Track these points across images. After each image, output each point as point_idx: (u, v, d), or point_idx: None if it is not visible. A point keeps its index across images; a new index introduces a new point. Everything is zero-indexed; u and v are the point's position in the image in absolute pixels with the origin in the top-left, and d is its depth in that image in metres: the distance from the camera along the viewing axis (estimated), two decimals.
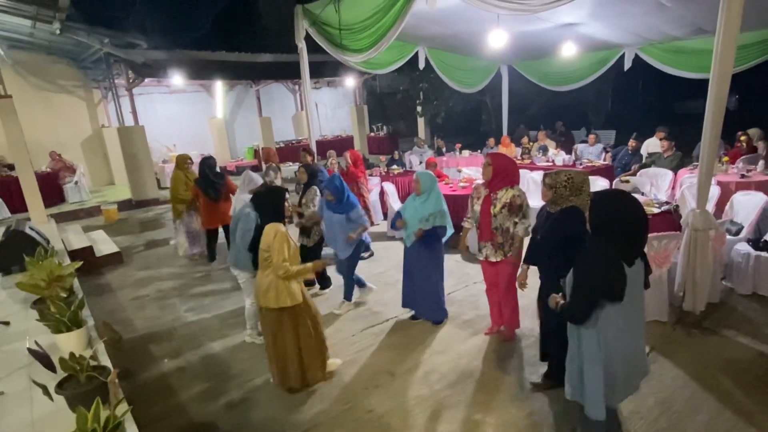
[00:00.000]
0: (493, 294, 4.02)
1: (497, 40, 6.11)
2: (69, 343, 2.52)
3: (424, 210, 4.11)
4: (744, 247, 4.59)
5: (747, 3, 3.54)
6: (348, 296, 4.86)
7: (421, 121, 16.74)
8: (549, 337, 3.33)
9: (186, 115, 16.06)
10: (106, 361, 2.44)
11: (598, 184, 6.71)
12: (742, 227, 4.94)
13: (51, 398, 1.94)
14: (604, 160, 8.73)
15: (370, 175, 8.30)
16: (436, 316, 4.41)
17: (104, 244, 7.39)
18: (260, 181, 6.07)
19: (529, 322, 4.12)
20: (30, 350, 2.15)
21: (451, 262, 5.89)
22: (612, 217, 2.15)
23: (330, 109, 20.22)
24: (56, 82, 12.58)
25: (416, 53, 8.07)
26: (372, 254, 6.45)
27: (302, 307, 3.43)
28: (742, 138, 8.32)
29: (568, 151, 9.35)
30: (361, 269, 5.86)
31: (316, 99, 17.54)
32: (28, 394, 2.31)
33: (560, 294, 2.47)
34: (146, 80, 12.21)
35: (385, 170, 9.10)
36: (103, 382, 2.08)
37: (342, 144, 16.16)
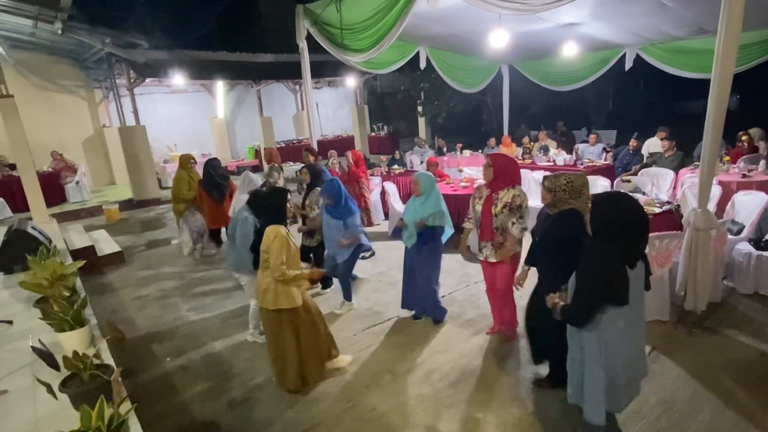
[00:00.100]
0: (493, 294, 4.03)
1: (498, 39, 6.12)
2: (72, 341, 2.53)
3: (424, 211, 4.12)
4: (745, 247, 4.59)
5: (748, 3, 3.54)
6: (348, 297, 4.86)
7: (421, 121, 16.74)
8: (535, 332, 3.38)
9: (187, 115, 16.07)
10: (109, 359, 2.45)
11: (599, 183, 6.71)
12: (744, 227, 4.94)
13: (55, 396, 1.95)
14: (605, 159, 8.74)
15: (371, 174, 8.31)
16: (437, 314, 4.42)
17: (106, 244, 7.40)
18: (260, 182, 6.08)
19: None
20: (34, 348, 2.16)
21: (452, 261, 5.91)
22: (612, 220, 2.14)
23: (331, 109, 20.22)
24: (58, 81, 12.59)
25: (417, 53, 8.08)
26: (373, 254, 6.45)
27: (301, 310, 3.43)
28: (744, 138, 8.32)
29: (569, 151, 9.35)
30: (363, 268, 5.90)
31: (317, 99, 17.53)
32: (32, 393, 2.32)
33: (558, 294, 2.47)
34: (147, 80, 12.22)
35: (386, 170, 9.12)
36: (106, 380, 2.09)
37: (343, 144, 16.16)
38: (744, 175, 6.44)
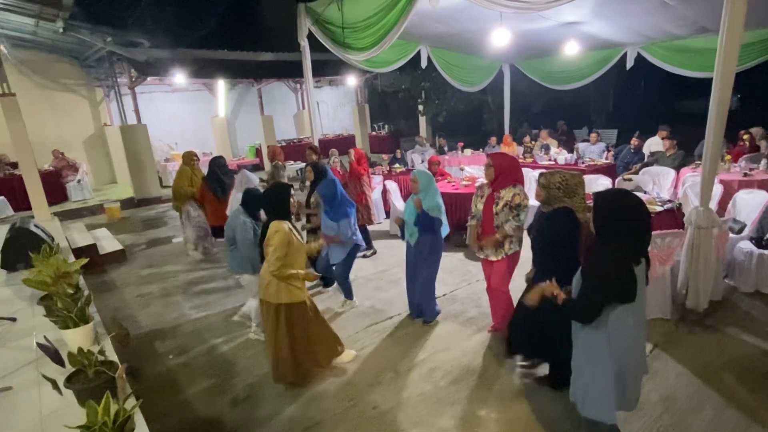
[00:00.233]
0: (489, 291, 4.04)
1: (500, 38, 6.12)
2: (76, 338, 2.54)
3: (423, 206, 4.11)
4: (747, 246, 4.60)
5: (750, 1, 3.54)
6: (349, 295, 4.87)
7: (422, 120, 16.73)
8: (517, 326, 3.41)
9: (188, 113, 16.09)
10: (113, 356, 2.46)
11: (600, 182, 6.72)
12: (745, 225, 4.95)
13: (60, 392, 1.96)
14: (606, 158, 8.74)
15: (373, 173, 8.31)
16: (428, 315, 4.39)
17: (107, 242, 7.42)
18: (257, 181, 6.10)
19: None
20: (39, 345, 2.17)
21: (454, 260, 5.93)
22: (616, 217, 2.14)
23: (331, 108, 20.23)
24: (59, 80, 12.61)
25: (418, 52, 8.07)
26: (375, 252, 6.47)
27: (300, 306, 3.45)
28: (745, 137, 8.32)
29: (570, 150, 9.36)
30: (365, 267, 5.92)
31: (318, 98, 17.54)
32: (36, 389, 2.33)
33: (553, 280, 2.46)
34: (148, 79, 12.25)
35: (388, 169, 9.13)
36: (111, 376, 2.10)
37: (343, 143, 16.14)
38: (745, 174, 6.45)
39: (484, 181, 3.85)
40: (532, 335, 3.29)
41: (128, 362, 2.27)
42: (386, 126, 19.70)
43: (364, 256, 6.33)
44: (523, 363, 3.60)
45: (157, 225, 9.42)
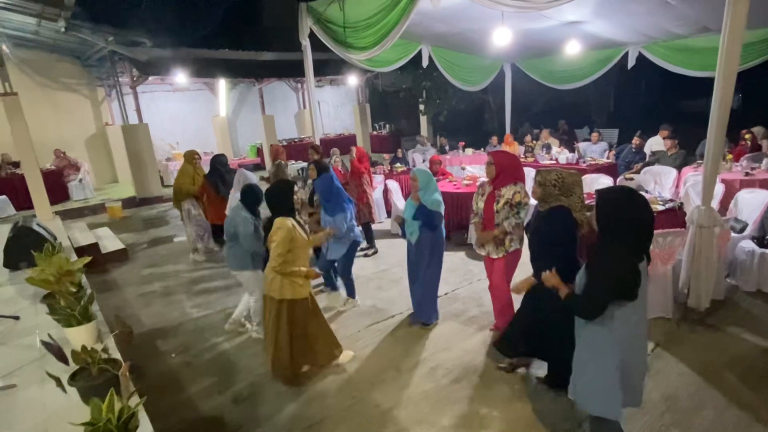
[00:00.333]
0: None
1: (501, 38, 6.12)
2: (79, 336, 2.55)
3: (423, 202, 4.10)
4: (748, 245, 4.60)
5: (752, 1, 3.54)
6: (351, 294, 4.88)
7: (423, 120, 16.72)
8: (523, 334, 3.32)
9: (189, 113, 16.09)
10: (116, 354, 2.47)
11: (602, 182, 6.72)
12: (747, 225, 4.94)
13: (64, 390, 1.97)
14: (608, 158, 8.74)
15: (374, 173, 8.32)
16: (429, 315, 4.35)
17: (109, 241, 7.43)
18: (255, 179, 6.10)
19: None
20: (43, 342, 2.18)
21: (455, 259, 5.93)
22: (620, 216, 2.14)
23: (332, 108, 20.22)
24: (61, 80, 12.62)
25: (420, 51, 8.07)
26: (376, 251, 6.47)
27: (303, 303, 3.47)
28: (747, 136, 8.31)
29: (571, 150, 9.36)
30: (366, 266, 5.92)
31: (319, 97, 17.54)
32: (40, 387, 2.34)
33: (554, 270, 2.46)
34: (150, 78, 12.27)
35: (389, 168, 9.13)
36: (114, 374, 2.11)
37: (344, 142, 16.15)
38: (747, 174, 6.44)
39: (486, 179, 3.86)
40: (532, 335, 3.28)
41: (130, 360, 2.28)
42: (387, 125, 19.70)
43: (366, 255, 6.33)
44: (503, 366, 3.55)
45: (158, 224, 9.43)
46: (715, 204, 4.86)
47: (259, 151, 16.00)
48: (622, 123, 13.89)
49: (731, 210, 5.34)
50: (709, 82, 3.90)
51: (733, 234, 4.71)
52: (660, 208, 4.86)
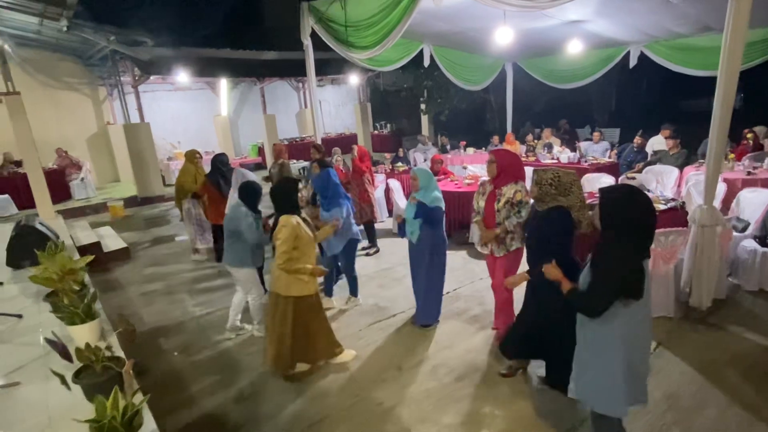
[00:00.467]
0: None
1: (503, 37, 6.12)
2: (83, 334, 2.55)
3: (423, 200, 4.10)
4: (750, 244, 4.60)
5: (754, 0, 3.54)
6: (354, 292, 4.88)
7: (424, 119, 16.73)
8: (525, 336, 3.30)
9: (191, 112, 16.10)
10: (119, 352, 2.47)
11: (604, 181, 6.72)
12: (749, 224, 4.94)
13: (68, 387, 1.97)
14: (609, 157, 8.74)
15: (376, 172, 8.32)
16: (428, 317, 4.32)
17: (111, 240, 7.44)
18: (253, 178, 6.10)
19: None
20: (48, 340, 2.19)
21: (457, 258, 5.93)
22: (624, 214, 2.14)
23: (333, 107, 20.23)
24: (63, 79, 12.64)
25: (421, 50, 8.07)
26: (378, 250, 6.47)
27: (309, 299, 3.48)
28: (749, 135, 8.31)
29: (572, 149, 9.35)
30: (368, 265, 5.92)
31: (320, 97, 17.54)
32: (44, 385, 2.34)
33: (554, 261, 2.46)
34: (151, 78, 12.26)
35: (390, 167, 9.14)
36: (118, 372, 2.11)
37: (346, 142, 16.16)
38: (749, 173, 6.43)
39: (487, 178, 3.86)
40: (533, 337, 3.28)
41: (134, 358, 2.29)
42: (388, 125, 19.70)
43: (367, 254, 6.34)
44: (503, 372, 3.51)
45: (160, 223, 9.45)
46: (717, 203, 4.85)
47: (260, 151, 16.01)
48: (624, 122, 13.88)
49: (733, 209, 5.34)
50: (711, 82, 3.90)
51: (735, 233, 4.71)
52: (662, 207, 4.86)
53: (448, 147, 11.89)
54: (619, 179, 7.52)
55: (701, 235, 4.08)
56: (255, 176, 6.25)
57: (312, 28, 6.82)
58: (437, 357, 3.82)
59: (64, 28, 9.06)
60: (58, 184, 10.96)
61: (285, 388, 3.54)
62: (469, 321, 4.38)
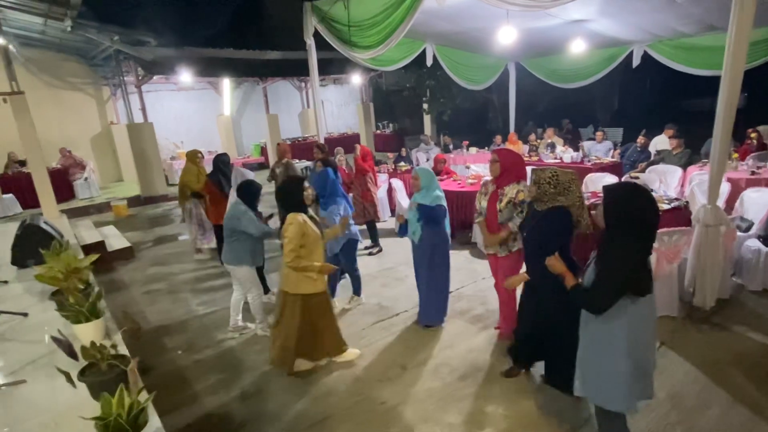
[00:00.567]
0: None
1: (506, 36, 6.12)
2: (88, 333, 2.57)
3: (423, 201, 4.10)
4: (754, 244, 4.58)
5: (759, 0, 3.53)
6: (357, 291, 4.89)
7: (427, 119, 16.73)
8: (527, 338, 3.30)
9: (194, 112, 16.15)
10: (124, 350, 2.49)
11: (606, 180, 6.71)
12: (753, 224, 4.93)
13: (74, 385, 1.98)
14: (613, 157, 8.72)
15: (378, 171, 8.32)
16: (431, 317, 4.30)
17: (115, 240, 7.47)
18: (252, 176, 6.11)
19: None
20: (53, 338, 2.20)
21: (460, 258, 5.93)
22: (628, 211, 2.14)
23: (336, 107, 20.25)
24: (66, 79, 12.69)
25: (424, 50, 8.07)
26: (380, 250, 6.48)
27: (319, 296, 3.50)
28: (752, 135, 8.28)
29: (575, 149, 9.33)
30: (371, 264, 5.93)
31: (323, 96, 17.54)
32: (50, 383, 2.36)
33: (556, 254, 2.45)
34: (155, 77, 12.31)
35: (393, 167, 9.14)
36: (123, 370, 2.12)
37: (348, 141, 16.17)
38: (753, 173, 6.41)
39: (489, 178, 3.86)
40: (534, 339, 3.28)
41: (141, 356, 2.30)
42: (391, 124, 19.71)
43: (370, 254, 6.35)
44: (506, 372, 3.51)
45: (163, 222, 9.48)
46: (720, 203, 4.84)
47: (263, 150, 16.03)
48: (627, 122, 13.86)
49: (737, 209, 5.33)
50: (714, 81, 3.89)
51: (738, 233, 4.69)
52: (665, 206, 4.84)
53: (451, 146, 11.88)
54: (622, 179, 7.50)
55: (705, 235, 4.08)
56: (254, 175, 6.28)
57: (315, 28, 6.84)
58: (440, 356, 3.82)
59: (68, 28, 9.10)
60: (62, 184, 11.02)
61: (288, 387, 3.55)
62: (471, 320, 4.38)
